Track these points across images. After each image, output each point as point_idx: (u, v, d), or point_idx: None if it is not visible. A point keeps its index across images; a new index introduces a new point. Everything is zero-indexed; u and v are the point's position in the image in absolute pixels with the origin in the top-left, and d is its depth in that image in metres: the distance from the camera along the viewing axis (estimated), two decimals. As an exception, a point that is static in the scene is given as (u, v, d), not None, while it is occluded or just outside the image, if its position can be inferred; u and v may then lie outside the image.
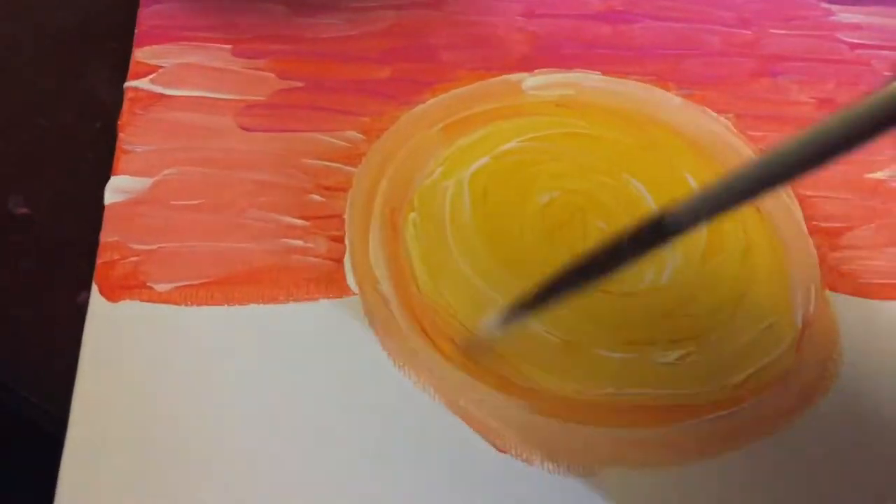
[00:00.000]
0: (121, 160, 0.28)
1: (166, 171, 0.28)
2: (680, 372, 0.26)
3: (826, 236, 0.29)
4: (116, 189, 0.27)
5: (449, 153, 0.29)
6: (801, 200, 0.30)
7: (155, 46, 0.30)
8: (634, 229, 0.20)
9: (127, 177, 0.27)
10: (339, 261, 0.27)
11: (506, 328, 0.25)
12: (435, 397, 0.24)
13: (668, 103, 0.32)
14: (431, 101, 0.31)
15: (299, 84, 0.30)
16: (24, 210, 0.27)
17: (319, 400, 0.24)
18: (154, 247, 0.26)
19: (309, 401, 0.24)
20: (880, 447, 0.25)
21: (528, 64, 0.32)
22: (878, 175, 0.31)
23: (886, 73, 0.35)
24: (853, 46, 0.35)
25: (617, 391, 0.25)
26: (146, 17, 0.31)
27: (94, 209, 0.27)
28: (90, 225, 0.26)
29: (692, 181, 0.30)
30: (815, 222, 0.30)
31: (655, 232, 0.20)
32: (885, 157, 0.32)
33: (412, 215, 0.28)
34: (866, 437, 0.25)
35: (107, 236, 0.26)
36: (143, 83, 0.29)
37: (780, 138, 0.31)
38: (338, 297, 0.26)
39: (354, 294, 0.26)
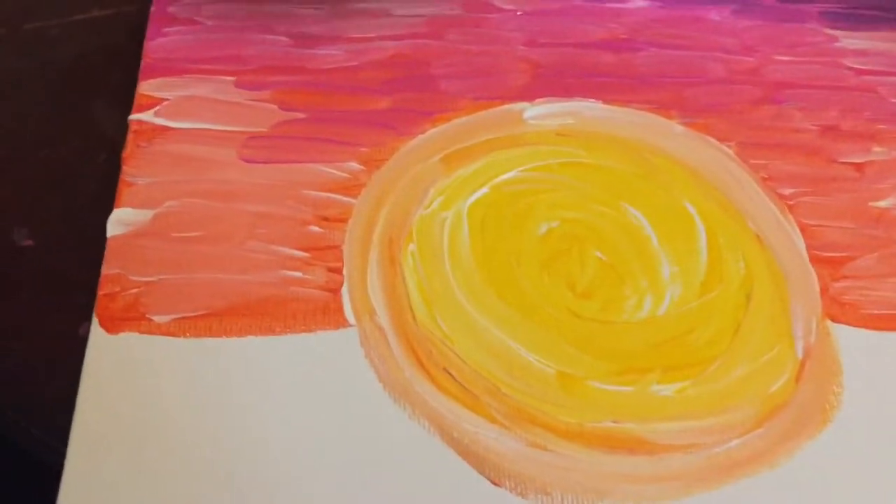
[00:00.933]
0: (124, 193, 0.28)
1: (168, 203, 0.28)
2: (678, 403, 0.26)
3: (828, 266, 0.29)
4: (119, 221, 0.27)
5: (448, 184, 0.30)
6: (803, 229, 0.30)
7: (160, 79, 0.31)
8: None
9: (129, 209, 0.28)
10: (337, 292, 0.27)
11: None
12: (430, 429, 0.25)
13: (670, 131, 0.32)
14: (431, 131, 0.31)
15: (301, 115, 0.31)
16: (28, 242, 0.28)
17: (315, 431, 0.24)
18: (154, 279, 0.26)
19: (305, 432, 0.24)
20: (882, 480, 0.25)
21: (529, 93, 0.33)
22: (882, 204, 0.31)
23: (892, 100, 0.35)
24: (859, 73, 0.35)
25: (614, 423, 0.25)
26: (152, 50, 0.32)
27: (97, 241, 0.27)
28: (93, 257, 0.27)
29: (692, 210, 0.30)
30: (816, 251, 0.30)
31: None
32: (888, 185, 0.32)
33: (410, 246, 0.28)
34: (868, 470, 0.25)
35: (108, 269, 0.26)
36: (147, 116, 0.30)
37: (781, 166, 0.32)
38: (335, 329, 0.26)
39: (351, 325, 0.26)
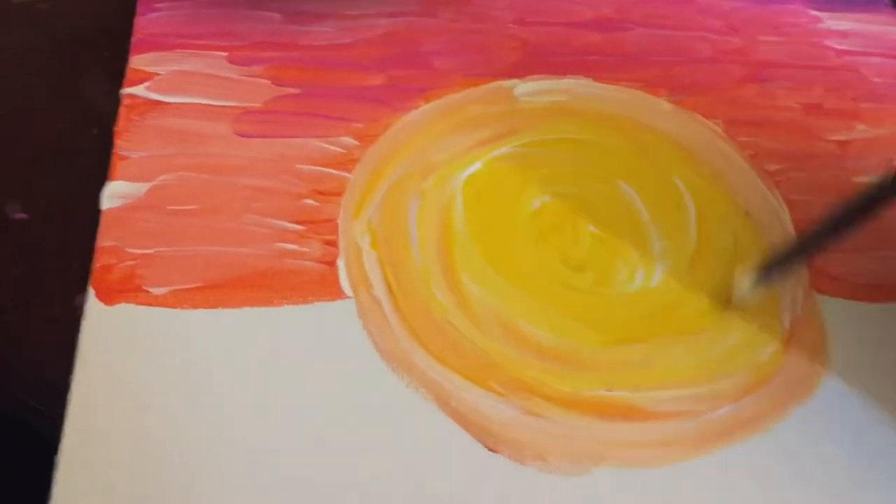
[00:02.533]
0: (117, 166, 0.28)
1: (162, 177, 0.28)
2: (670, 372, 0.26)
3: (814, 239, 0.30)
4: (113, 195, 0.27)
5: (443, 159, 0.30)
6: (790, 204, 0.31)
7: (151, 54, 0.31)
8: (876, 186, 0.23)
9: (123, 182, 0.28)
10: (333, 264, 0.27)
11: (762, 285, 0.27)
12: (427, 398, 0.25)
13: (659, 109, 0.33)
14: (424, 107, 0.31)
15: (294, 91, 0.31)
16: (21, 215, 0.27)
17: (313, 400, 0.24)
18: (150, 251, 0.26)
19: (303, 402, 0.24)
20: (867, 447, 0.26)
21: (520, 70, 0.33)
22: (865, 179, 0.32)
23: (874, 79, 0.35)
24: (840, 53, 0.36)
25: (608, 391, 0.26)
26: (143, 25, 0.32)
27: (91, 214, 0.27)
28: (87, 230, 0.27)
29: (682, 185, 0.31)
30: (803, 226, 0.30)
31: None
32: (870, 161, 0.32)
33: (407, 220, 0.28)
34: (853, 437, 0.26)
35: (103, 241, 0.26)
36: (139, 90, 0.30)
37: (768, 143, 0.32)
38: (332, 300, 0.26)
39: (349, 297, 0.26)
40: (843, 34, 0.37)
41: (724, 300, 0.28)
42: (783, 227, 0.30)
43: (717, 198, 0.30)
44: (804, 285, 0.29)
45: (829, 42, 0.36)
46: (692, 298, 0.28)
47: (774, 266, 0.27)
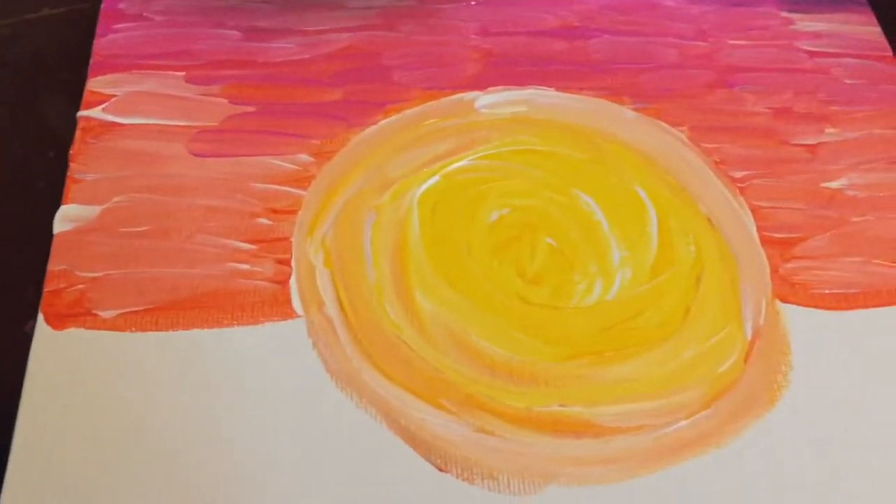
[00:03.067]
0: (71, 189, 0.28)
1: (116, 199, 0.28)
2: (626, 386, 0.26)
3: (779, 247, 0.29)
4: (65, 218, 0.27)
5: (399, 174, 0.30)
6: (755, 211, 0.30)
7: (109, 76, 0.31)
8: None
9: (76, 205, 0.28)
10: (286, 283, 0.27)
11: None
12: (376, 417, 0.25)
13: (621, 117, 0.32)
14: (383, 122, 0.31)
15: (251, 109, 0.31)
16: (-25, 240, 0.27)
17: (263, 421, 0.24)
18: (100, 274, 0.26)
19: (253, 422, 0.24)
20: (828, 459, 0.25)
21: (481, 82, 0.33)
22: (834, 184, 0.31)
23: (846, 81, 0.35)
24: (812, 55, 0.35)
25: (561, 407, 0.25)
26: (101, 47, 0.32)
27: (45, 238, 0.27)
28: (41, 254, 0.27)
29: (643, 194, 0.30)
30: (767, 233, 0.30)
31: None
32: (840, 166, 0.32)
33: (361, 236, 0.28)
34: (815, 449, 0.25)
35: (54, 265, 0.26)
36: (95, 112, 0.30)
37: (734, 149, 0.32)
38: (283, 320, 0.26)
39: (299, 316, 0.26)
40: (816, 35, 0.36)
41: None
42: (748, 234, 0.30)
43: (678, 206, 0.30)
44: (767, 294, 0.28)
45: (800, 44, 0.36)
46: (651, 310, 0.28)
47: None
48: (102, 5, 0.33)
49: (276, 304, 0.26)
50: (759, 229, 0.30)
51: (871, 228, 0.30)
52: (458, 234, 0.29)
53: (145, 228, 0.27)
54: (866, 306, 0.28)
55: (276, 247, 0.28)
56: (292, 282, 0.27)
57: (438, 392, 0.25)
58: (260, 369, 0.25)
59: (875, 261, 0.29)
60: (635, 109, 0.33)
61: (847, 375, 0.27)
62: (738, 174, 0.31)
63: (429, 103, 0.32)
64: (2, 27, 0.33)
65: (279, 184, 0.29)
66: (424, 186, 0.30)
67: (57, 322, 0.25)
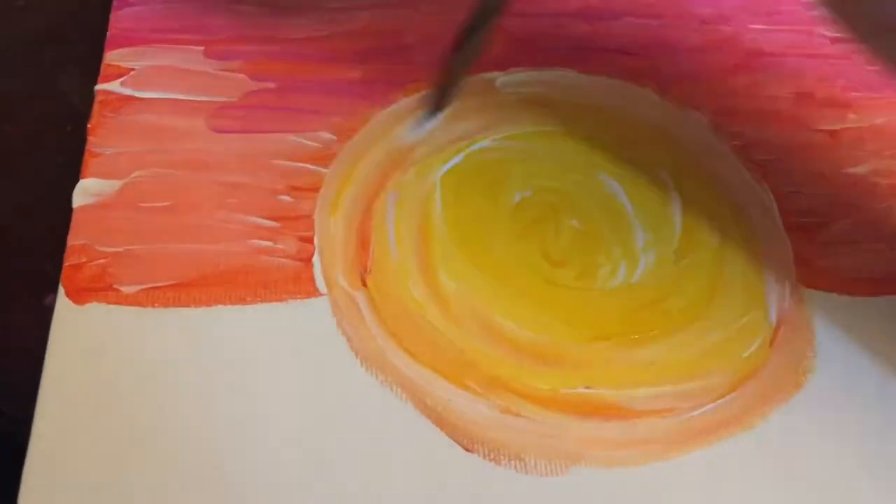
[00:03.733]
0: (90, 163, 0.28)
1: (135, 174, 0.28)
2: (652, 369, 0.26)
3: (803, 232, 0.29)
4: (85, 192, 0.27)
5: (422, 152, 0.29)
6: (778, 196, 0.30)
7: (126, 49, 0.30)
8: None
9: (96, 179, 0.27)
10: (308, 261, 0.27)
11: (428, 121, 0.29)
12: (402, 396, 0.24)
13: (644, 100, 0.32)
14: (404, 100, 0.31)
15: (271, 85, 0.30)
16: (-7, 213, 0.27)
17: (287, 400, 0.24)
18: (121, 249, 0.26)
19: (276, 401, 0.24)
20: (854, 443, 0.25)
21: (502, 63, 0.32)
22: (858, 170, 0.31)
23: (868, 67, 0.34)
24: (833, 41, 0.35)
25: (587, 389, 0.25)
26: (118, 20, 0.31)
27: (64, 212, 0.27)
28: (59, 228, 0.26)
29: (666, 178, 0.30)
30: (792, 218, 0.29)
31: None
32: (865, 151, 0.32)
33: (385, 215, 0.28)
34: (840, 433, 0.25)
35: (74, 239, 0.26)
36: (113, 86, 0.29)
37: (756, 134, 0.31)
38: (306, 298, 0.26)
39: (323, 294, 0.26)
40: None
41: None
42: (771, 219, 0.29)
43: (702, 190, 0.30)
44: (791, 279, 0.28)
45: (822, 29, 0.35)
46: (676, 293, 0.27)
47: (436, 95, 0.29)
48: (119, -23, 0.32)
49: (299, 282, 0.26)
50: (782, 214, 0.30)
51: (893, 215, 0.30)
52: (482, 215, 0.28)
53: (166, 204, 0.27)
54: (890, 292, 0.28)
55: (298, 224, 0.27)
56: (315, 259, 0.27)
57: (464, 372, 0.25)
58: (283, 346, 0.25)
59: (898, 247, 0.29)
60: (657, 92, 0.32)
61: (871, 360, 0.27)
62: (761, 158, 0.31)
63: (450, 83, 0.31)
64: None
65: (300, 161, 0.29)
66: (447, 166, 0.29)
67: (78, 296, 0.25)
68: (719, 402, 0.25)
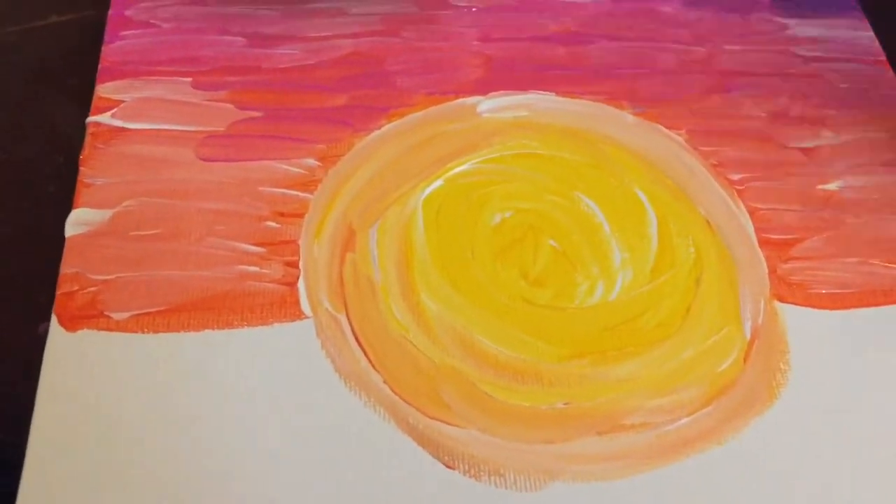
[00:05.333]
0: (82, 193, 0.28)
1: (126, 203, 0.28)
2: (629, 385, 0.26)
3: (776, 248, 0.30)
4: (77, 222, 0.28)
5: (404, 177, 0.30)
6: (753, 213, 0.31)
7: (117, 82, 0.31)
8: None
9: (87, 209, 0.28)
10: (294, 285, 0.27)
11: None
12: (385, 416, 0.25)
13: (621, 121, 0.33)
14: (387, 126, 0.31)
15: (258, 114, 0.31)
16: (-13, 244, 0.28)
17: (273, 420, 0.25)
18: (112, 277, 0.27)
19: (264, 421, 0.25)
20: (827, 456, 0.26)
21: (483, 87, 0.33)
22: (830, 186, 0.32)
23: (840, 85, 0.35)
24: (807, 59, 0.36)
25: (566, 404, 0.26)
26: (109, 54, 0.32)
27: (56, 242, 0.27)
28: (52, 257, 0.27)
29: (643, 197, 0.31)
30: (765, 234, 0.30)
31: None
32: (836, 168, 0.32)
33: (367, 239, 0.29)
34: (813, 447, 0.26)
35: (66, 268, 0.27)
36: (104, 118, 0.30)
37: (731, 153, 0.32)
38: (292, 321, 0.27)
39: (308, 317, 0.27)
40: (811, 40, 0.37)
41: None
42: (746, 236, 0.30)
43: (678, 208, 0.31)
44: (765, 294, 0.29)
45: (795, 49, 0.36)
46: (652, 310, 0.28)
47: None
48: (110, 12, 0.33)
49: (284, 306, 0.27)
50: (756, 231, 0.30)
51: (866, 229, 0.31)
52: (462, 237, 0.29)
53: (156, 232, 0.28)
54: (863, 305, 0.29)
55: (284, 249, 0.28)
56: (300, 283, 0.27)
57: (445, 391, 0.26)
58: (270, 369, 0.26)
59: (871, 261, 0.30)
60: (634, 114, 0.33)
61: (845, 373, 0.27)
62: (736, 177, 0.32)
63: (432, 108, 0.32)
64: (9, 34, 0.33)
65: (286, 188, 0.29)
66: (429, 190, 0.30)
67: (70, 324, 0.26)
68: (695, 415, 0.26)
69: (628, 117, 0.33)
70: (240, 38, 0.33)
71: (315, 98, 0.32)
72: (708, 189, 0.31)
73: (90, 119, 0.30)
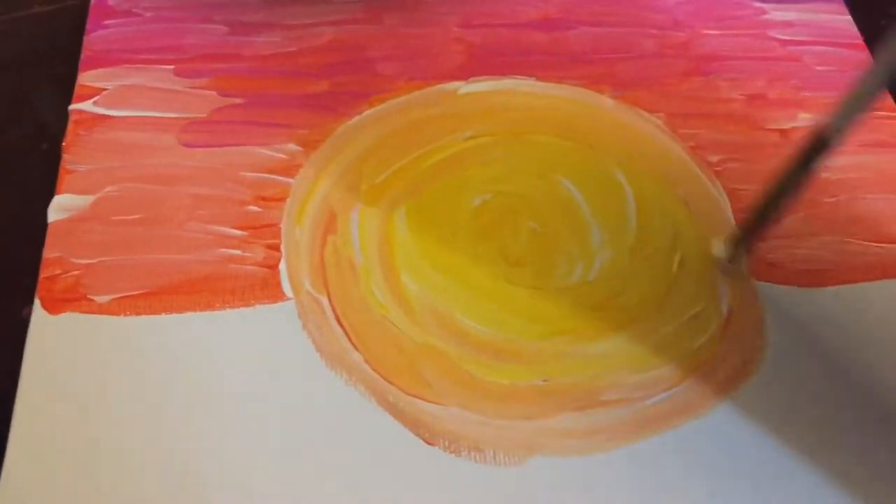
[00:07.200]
0: (64, 180, 0.29)
1: (108, 189, 0.29)
2: (607, 361, 0.27)
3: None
4: (59, 207, 0.28)
5: (386, 161, 0.30)
6: (731, 193, 0.31)
7: (99, 70, 0.32)
8: (803, 150, 0.25)
9: (70, 195, 0.28)
10: (275, 268, 0.28)
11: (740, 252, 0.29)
12: (365, 394, 0.25)
13: (601, 105, 0.33)
14: (368, 111, 0.32)
15: (239, 101, 0.32)
16: (-29, 230, 0.28)
17: (255, 399, 0.25)
18: (94, 261, 0.27)
19: (245, 401, 0.25)
20: (802, 431, 0.26)
21: (464, 73, 0.34)
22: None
23: (818, 68, 0.36)
24: (784, 43, 0.36)
25: (545, 381, 0.26)
26: (91, 43, 0.32)
27: (40, 227, 0.28)
28: (36, 243, 0.27)
29: (622, 178, 0.31)
30: (744, 214, 0.30)
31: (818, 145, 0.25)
32: (812, 148, 0.33)
33: (348, 221, 0.29)
34: (788, 422, 0.26)
35: (49, 252, 0.27)
36: (87, 105, 0.31)
37: (709, 135, 0.33)
38: (273, 302, 0.27)
39: (289, 298, 0.27)
40: (788, 24, 0.37)
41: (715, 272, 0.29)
42: (723, 216, 0.31)
43: (656, 189, 0.31)
44: (742, 272, 0.29)
45: (773, 33, 0.37)
46: (631, 289, 0.28)
47: (747, 232, 0.28)
48: (92, 1, 0.34)
49: (266, 287, 0.27)
50: (734, 211, 0.31)
51: (843, 208, 0.31)
52: (443, 219, 0.29)
53: (138, 216, 0.28)
54: (838, 283, 0.29)
55: (265, 233, 0.28)
56: (282, 266, 0.28)
57: (425, 370, 0.26)
58: (252, 349, 0.26)
59: (847, 239, 0.30)
60: (614, 97, 0.33)
61: (820, 349, 0.28)
62: (714, 158, 0.32)
63: (413, 93, 0.33)
64: (-7, 24, 0.33)
65: (268, 172, 0.30)
66: (411, 171, 0.30)
67: (53, 307, 0.26)
68: (672, 391, 0.26)
69: (608, 101, 0.33)
70: (221, 26, 0.34)
71: (296, 84, 0.32)
72: (686, 170, 0.32)
73: (73, 107, 0.30)
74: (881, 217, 0.31)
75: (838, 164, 0.32)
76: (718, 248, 0.29)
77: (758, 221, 0.27)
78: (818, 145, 0.25)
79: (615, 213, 0.30)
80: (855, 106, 0.24)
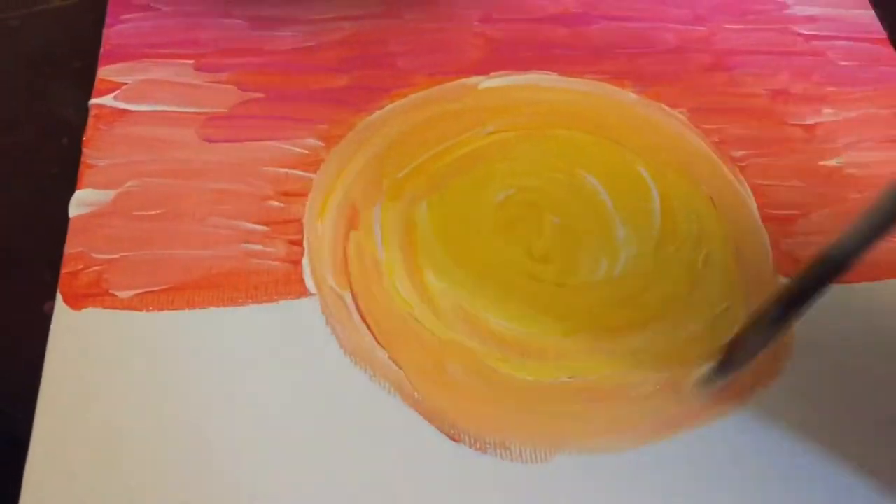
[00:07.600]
0: (85, 174, 0.28)
1: (129, 184, 0.28)
2: (633, 358, 0.27)
3: (780, 223, 0.30)
4: (80, 202, 0.28)
5: (408, 155, 0.30)
6: (755, 189, 0.31)
7: (119, 64, 0.31)
8: (807, 271, 0.23)
9: (91, 190, 0.28)
10: (298, 263, 0.27)
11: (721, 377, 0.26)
12: (390, 391, 0.25)
13: (623, 100, 0.33)
14: (389, 106, 0.32)
15: (260, 95, 0.31)
16: (-8, 225, 0.28)
17: (279, 396, 0.25)
18: (116, 256, 0.27)
19: (269, 398, 0.25)
20: (831, 428, 0.26)
21: (484, 67, 0.33)
22: (832, 162, 0.32)
23: (841, 62, 0.35)
24: (808, 38, 0.36)
25: (571, 378, 0.26)
26: (110, 37, 0.32)
27: (61, 222, 0.27)
28: (57, 238, 0.27)
29: (646, 174, 0.31)
30: (768, 210, 0.30)
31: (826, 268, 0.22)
32: (838, 144, 0.32)
33: (371, 216, 0.29)
34: (818, 419, 0.26)
35: (71, 248, 0.27)
36: (106, 100, 0.30)
37: (733, 130, 0.32)
38: (296, 298, 0.27)
39: (312, 294, 0.27)
40: (811, 19, 0.37)
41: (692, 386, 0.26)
42: (748, 212, 0.30)
43: (681, 185, 0.31)
44: (769, 269, 0.29)
45: (796, 28, 0.36)
46: (656, 285, 0.28)
47: (736, 358, 0.26)
48: (111, -4, 0.34)
49: (289, 283, 0.27)
50: (759, 206, 0.30)
51: (867, 204, 0.31)
52: (466, 214, 0.29)
53: (159, 211, 0.28)
54: (867, 279, 0.29)
55: (287, 228, 0.28)
56: (304, 261, 0.27)
57: (450, 366, 0.26)
58: (275, 344, 0.26)
59: (873, 236, 0.30)
60: (636, 92, 0.33)
61: (849, 346, 0.27)
62: (738, 153, 0.32)
63: (433, 88, 0.32)
64: (12, 18, 0.33)
65: (289, 167, 0.29)
66: (433, 166, 0.30)
67: (75, 302, 0.26)
68: (699, 388, 0.26)
69: (630, 96, 0.33)
70: (240, 21, 0.33)
71: (316, 79, 0.32)
72: (710, 166, 0.31)
73: (93, 101, 0.30)
74: (909, 213, 0.31)
75: (862, 160, 0.32)
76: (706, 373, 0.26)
77: (747, 347, 0.25)
78: (826, 269, 0.22)
79: (639, 208, 0.30)
80: (871, 231, 0.21)
